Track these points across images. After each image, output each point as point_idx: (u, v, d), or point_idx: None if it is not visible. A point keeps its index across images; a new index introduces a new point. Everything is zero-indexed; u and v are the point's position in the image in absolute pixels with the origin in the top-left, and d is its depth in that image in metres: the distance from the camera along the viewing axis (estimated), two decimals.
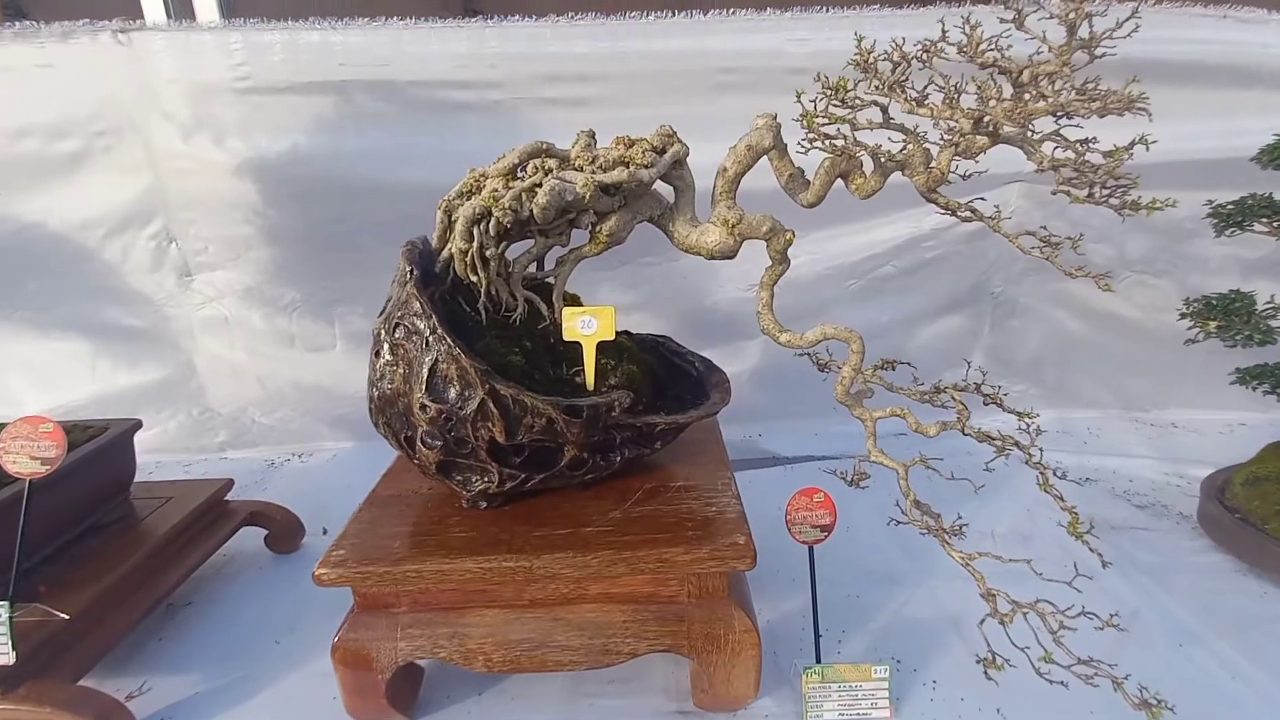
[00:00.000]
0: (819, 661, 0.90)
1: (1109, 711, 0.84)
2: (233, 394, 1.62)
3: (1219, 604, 1.05)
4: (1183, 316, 1.26)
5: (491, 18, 1.36)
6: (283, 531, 1.24)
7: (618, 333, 1.01)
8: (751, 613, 0.84)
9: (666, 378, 0.98)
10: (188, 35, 1.34)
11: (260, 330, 1.57)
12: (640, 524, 0.82)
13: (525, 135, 1.35)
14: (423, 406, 0.75)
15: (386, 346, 0.78)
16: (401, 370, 0.77)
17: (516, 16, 1.34)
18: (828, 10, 1.36)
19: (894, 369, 1.01)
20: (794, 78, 1.36)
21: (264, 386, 1.61)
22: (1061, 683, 0.74)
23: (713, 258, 0.90)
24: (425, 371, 0.74)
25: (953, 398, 0.92)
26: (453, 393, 0.75)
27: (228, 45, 1.33)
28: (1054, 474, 0.87)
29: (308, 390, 1.60)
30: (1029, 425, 0.90)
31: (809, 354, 1.07)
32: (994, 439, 0.87)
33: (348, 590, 0.81)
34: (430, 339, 0.74)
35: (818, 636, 0.91)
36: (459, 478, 0.82)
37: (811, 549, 0.91)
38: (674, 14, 1.35)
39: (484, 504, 0.85)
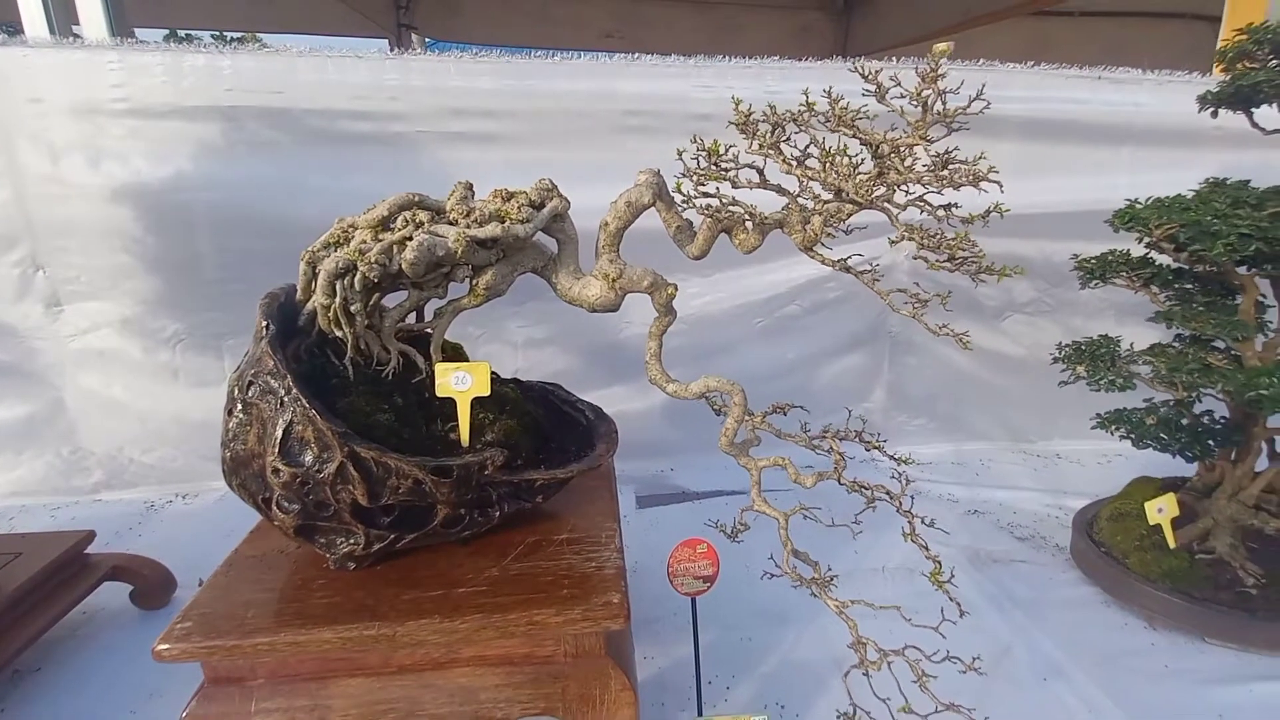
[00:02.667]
0: (700, 714, 0.90)
1: None
2: (108, 431, 1.51)
3: (1085, 637, 1.12)
4: (1055, 360, 1.34)
5: (397, 50, 1.33)
6: (150, 587, 1.15)
7: (505, 381, 1.00)
8: (630, 670, 0.83)
9: (554, 428, 0.96)
10: (57, 53, 1.25)
11: (140, 364, 1.47)
12: (516, 583, 0.80)
13: (428, 170, 1.32)
14: (275, 470, 0.71)
15: (240, 405, 0.74)
16: (255, 431, 0.73)
17: (418, 50, 1.32)
18: (731, 59, 1.40)
19: (785, 414, 1.03)
20: (699, 123, 1.39)
21: (143, 424, 1.51)
22: None
23: (594, 310, 0.90)
24: (279, 433, 0.71)
25: (832, 447, 0.94)
26: (309, 456, 0.71)
27: (103, 65, 1.26)
28: (922, 521, 0.90)
29: (193, 427, 1.51)
30: (901, 474, 0.93)
31: (705, 398, 1.08)
32: (865, 489, 0.90)
33: None
34: (285, 399, 0.71)
35: (700, 689, 0.91)
36: (322, 540, 0.78)
37: (694, 601, 0.91)
38: (580, 55, 1.36)
39: (352, 565, 0.81)
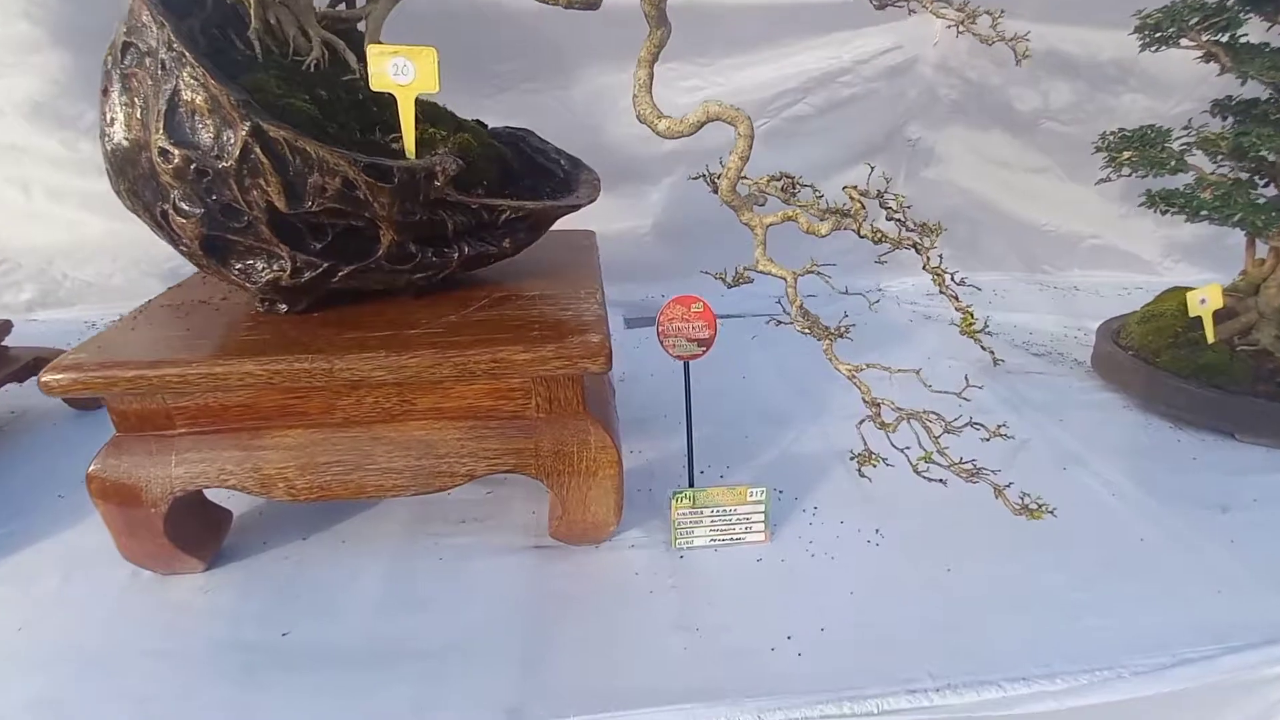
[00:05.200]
0: (692, 485, 0.82)
1: (986, 528, 0.80)
2: (33, 241, 1.35)
3: (1105, 434, 1.04)
4: (1097, 150, 1.19)
5: None
6: None
7: (468, 121, 0.84)
8: (612, 429, 0.73)
9: (525, 172, 0.82)
10: None
11: (60, 159, 1.29)
12: (479, 327, 0.68)
13: None
14: (164, 153, 0.56)
15: (116, 78, 0.58)
16: (138, 112, 0.58)
17: None
18: None
19: (796, 190, 0.89)
20: None
21: (72, 232, 1.35)
22: (941, 480, 0.67)
23: (570, 6, 0.72)
24: (164, 104, 0.56)
25: (850, 196, 0.81)
26: (205, 134, 0.57)
27: None
28: (951, 277, 0.78)
29: (130, 238, 1.34)
30: (931, 234, 0.80)
31: (704, 175, 0.93)
32: (890, 237, 0.77)
33: None
34: (166, 59, 0.55)
35: (691, 458, 0.82)
36: (239, 266, 0.65)
37: (687, 365, 0.81)
38: None
39: (283, 306, 0.69)
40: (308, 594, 0.71)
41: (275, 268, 0.64)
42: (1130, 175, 1.16)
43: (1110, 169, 1.19)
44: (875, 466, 0.67)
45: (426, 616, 0.69)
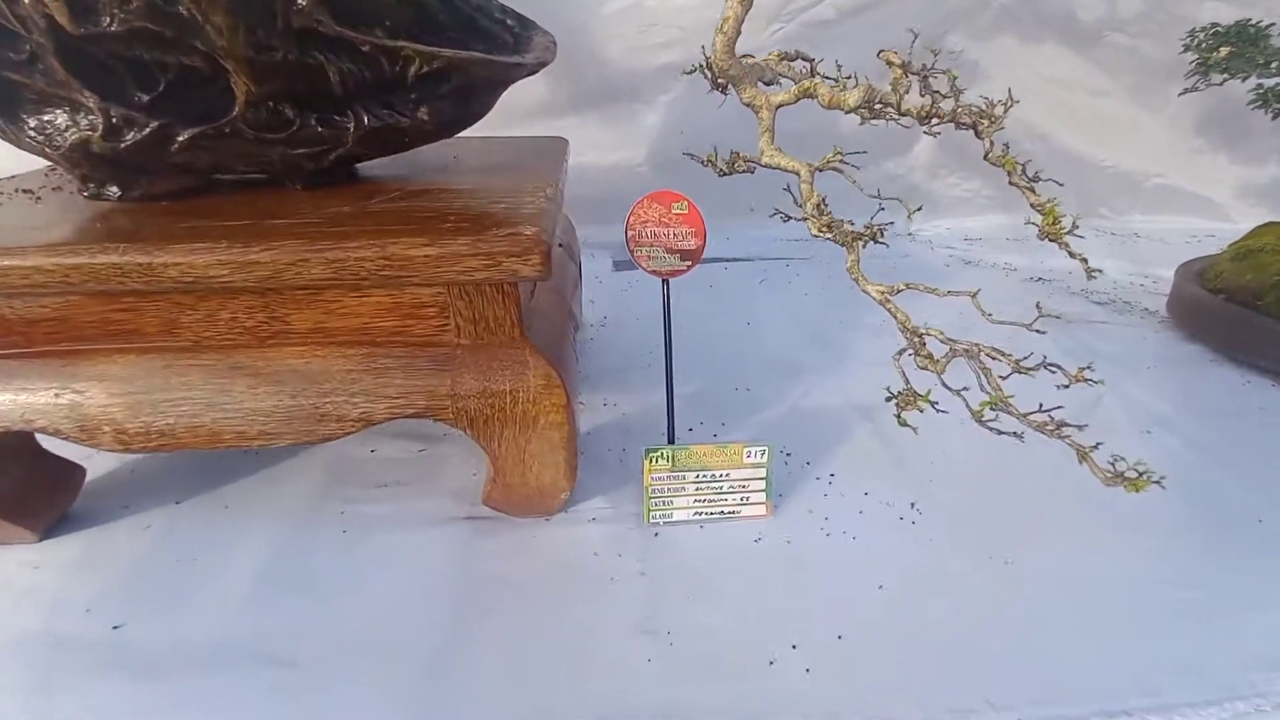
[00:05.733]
0: (672, 442, 0.64)
1: (1055, 504, 0.61)
2: None
3: (1194, 392, 0.84)
4: (1185, 49, 0.98)
5: None
6: None
7: None
8: (562, 365, 0.54)
9: (454, 30, 0.62)
10: None
11: None
12: (372, 219, 0.50)
13: None
14: None
15: None
16: None
17: None
18: None
19: (814, 73, 0.69)
20: None
21: None
22: (1015, 434, 0.48)
23: None
24: None
25: (888, 61, 0.61)
26: None
27: None
28: (1023, 170, 0.59)
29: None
30: (992, 116, 0.60)
31: (699, 66, 0.73)
32: (942, 110, 0.58)
33: None
34: None
35: (671, 405, 0.63)
36: (33, 123, 0.47)
37: (666, 284, 0.62)
38: None
39: (114, 189, 0.51)
40: (162, 574, 0.54)
41: (83, 125, 0.46)
42: (1221, 82, 0.96)
43: (1198, 76, 0.98)
44: (921, 412, 0.48)
45: (311, 606, 0.51)
